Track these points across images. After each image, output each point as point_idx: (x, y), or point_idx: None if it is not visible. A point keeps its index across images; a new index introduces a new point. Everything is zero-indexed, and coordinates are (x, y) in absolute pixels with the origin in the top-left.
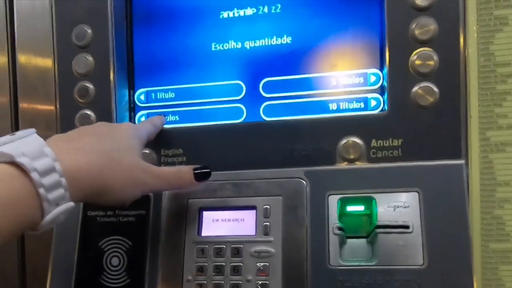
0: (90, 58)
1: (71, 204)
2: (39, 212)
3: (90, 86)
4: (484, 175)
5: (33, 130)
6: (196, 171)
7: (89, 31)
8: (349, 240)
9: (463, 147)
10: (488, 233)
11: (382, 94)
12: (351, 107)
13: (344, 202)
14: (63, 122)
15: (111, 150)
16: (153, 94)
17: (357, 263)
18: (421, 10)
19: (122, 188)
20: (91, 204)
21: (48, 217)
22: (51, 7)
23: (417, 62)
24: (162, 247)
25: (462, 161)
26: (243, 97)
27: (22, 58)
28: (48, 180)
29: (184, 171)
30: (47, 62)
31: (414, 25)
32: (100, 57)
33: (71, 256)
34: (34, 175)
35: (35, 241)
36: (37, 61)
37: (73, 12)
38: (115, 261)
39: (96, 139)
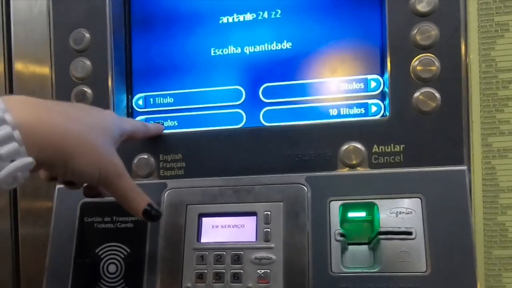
0: (88, 63)
1: (28, 159)
2: None
3: (87, 90)
4: (487, 181)
5: None
6: (147, 208)
7: (87, 35)
8: (350, 247)
9: (465, 153)
10: (491, 239)
11: (382, 100)
12: (351, 112)
13: (345, 208)
14: None
15: (82, 121)
16: (151, 99)
17: (360, 270)
18: (423, 16)
19: (82, 161)
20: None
21: (2, 173)
22: (49, 12)
23: (419, 67)
24: (161, 254)
25: (464, 167)
26: (242, 102)
27: (19, 63)
28: None
29: (139, 197)
30: (44, 66)
31: (415, 31)
32: (98, 61)
33: (67, 263)
34: None
35: (30, 247)
36: (35, 65)
37: (71, 16)
38: (112, 268)
39: (71, 107)
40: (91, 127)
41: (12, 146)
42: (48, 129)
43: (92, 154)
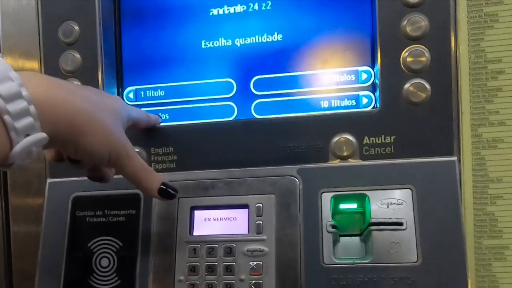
0: (78, 55)
1: (42, 135)
2: (7, 143)
3: (78, 83)
4: (477, 172)
5: None
6: (162, 187)
7: (76, 27)
8: (342, 238)
9: (455, 143)
10: (481, 229)
11: (373, 92)
12: (342, 104)
13: (337, 199)
14: None
15: (92, 100)
16: (142, 92)
17: (351, 261)
18: (412, 7)
19: (93, 139)
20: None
21: (18, 147)
22: (37, 4)
23: (409, 59)
24: (153, 247)
25: (454, 158)
26: (234, 94)
27: (8, 57)
28: (13, 106)
29: (151, 177)
30: (33, 60)
31: (405, 22)
32: (88, 54)
33: (60, 257)
34: None
35: (22, 241)
36: (23, 59)
37: (60, 8)
38: (104, 262)
39: (81, 88)
40: (101, 107)
41: (27, 120)
42: (62, 106)
43: (103, 133)
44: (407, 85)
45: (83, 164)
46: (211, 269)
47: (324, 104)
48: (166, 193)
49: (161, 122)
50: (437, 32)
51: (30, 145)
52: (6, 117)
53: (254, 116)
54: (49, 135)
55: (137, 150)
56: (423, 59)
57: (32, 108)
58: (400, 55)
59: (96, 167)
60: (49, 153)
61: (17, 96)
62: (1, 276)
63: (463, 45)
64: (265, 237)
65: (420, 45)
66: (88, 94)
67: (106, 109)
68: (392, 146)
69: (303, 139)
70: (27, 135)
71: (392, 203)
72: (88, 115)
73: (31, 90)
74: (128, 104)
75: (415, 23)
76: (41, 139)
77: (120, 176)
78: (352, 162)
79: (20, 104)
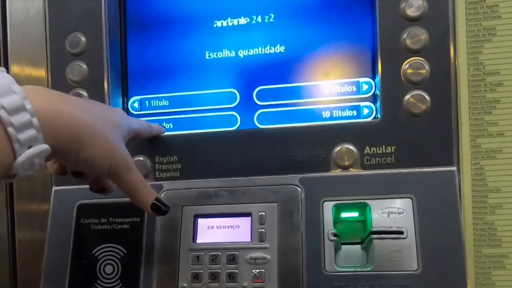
0: (84, 66)
1: (45, 146)
2: (10, 154)
3: (84, 93)
4: (476, 182)
5: (2, 68)
6: (156, 202)
7: (83, 39)
8: (344, 246)
9: (455, 154)
10: (481, 238)
11: (374, 102)
12: (344, 115)
13: (338, 208)
14: None
15: (94, 113)
16: (147, 102)
17: (353, 269)
18: (412, 21)
19: (94, 151)
20: (83, 214)
21: (21, 158)
22: (45, 16)
23: (409, 71)
24: (157, 254)
25: (454, 168)
26: (237, 105)
27: (16, 65)
28: (17, 119)
29: (146, 191)
30: (40, 71)
31: (405, 35)
32: (94, 65)
33: (64, 264)
34: (2, 113)
35: (27, 249)
36: (31, 69)
37: (67, 20)
38: (109, 269)
39: (84, 101)
40: (103, 119)
41: (30, 132)
42: (64, 118)
43: (104, 145)
44: (407, 97)
45: (85, 177)
46: (214, 277)
47: (326, 114)
48: (158, 208)
49: (164, 132)
50: (436, 45)
51: (32, 157)
52: (10, 129)
53: (257, 126)
54: (51, 147)
55: (141, 158)
56: (423, 71)
57: (35, 121)
58: (401, 67)
59: (98, 179)
60: (52, 167)
61: (20, 109)
62: (6, 282)
63: (462, 58)
64: (267, 245)
65: (420, 58)
66: (90, 107)
67: (108, 122)
68: (393, 156)
69: (305, 149)
70: (30, 146)
71: (392, 212)
72: (90, 128)
73: (34, 103)
74: (130, 116)
75: (415, 36)
76: (43, 151)
77: None
78: (353, 171)
79: (23, 117)
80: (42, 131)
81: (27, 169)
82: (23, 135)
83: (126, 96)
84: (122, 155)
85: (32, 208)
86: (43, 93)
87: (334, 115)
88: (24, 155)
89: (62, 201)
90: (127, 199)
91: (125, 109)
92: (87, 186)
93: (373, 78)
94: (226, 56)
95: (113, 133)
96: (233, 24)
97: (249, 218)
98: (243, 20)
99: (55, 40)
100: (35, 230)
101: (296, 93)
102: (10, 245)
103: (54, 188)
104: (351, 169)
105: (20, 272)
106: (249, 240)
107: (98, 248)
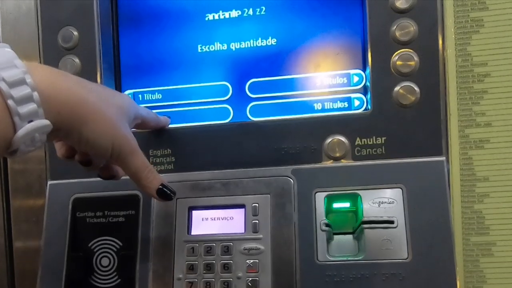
0: (77, 60)
1: (46, 122)
2: (11, 127)
3: None
4: (464, 171)
5: (6, 44)
6: (161, 187)
7: (75, 33)
8: (336, 236)
9: (444, 144)
10: (469, 226)
11: (365, 94)
12: (335, 106)
13: (330, 199)
14: None
15: (97, 93)
16: (140, 96)
17: (345, 258)
18: (401, 13)
19: (96, 130)
20: (79, 208)
21: (21, 132)
22: (37, 10)
23: (398, 62)
24: (152, 246)
25: (443, 158)
26: (229, 97)
27: None
28: (17, 91)
29: (151, 176)
30: None
31: (394, 27)
32: (87, 59)
33: (61, 257)
34: (2, 85)
35: (24, 242)
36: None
37: (59, 14)
38: (105, 261)
39: (91, 82)
40: (106, 100)
41: (31, 106)
42: (66, 95)
43: (106, 124)
44: (397, 88)
45: (94, 165)
46: (209, 267)
47: (317, 106)
48: (164, 193)
49: (169, 122)
50: (425, 37)
51: (33, 131)
52: (10, 102)
53: (249, 118)
54: (53, 123)
55: None
56: (412, 63)
57: (35, 95)
58: (390, 59)
59: (107, 166)
60: (60, 150)
61: (21, 82)
62: (3, 276)
63: (450, 49)
64: (261, 236)
65: (409, 49)
66: (95, 87)
67: (112, 103)
68: (383, 147)
69: (297, 141)
70: (31, 121)
71: (383, 202)
72: (92, 105)
73: (36, 78)
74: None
75: (404, 28)
76: (44, 126)
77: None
78: (345, 162)
79: (23, 90)
80: (43, 106)
81: (28, 145)
82: (23, 109)
83: (119, 90)
84: (125, 136)
85: (28, 203)
86: (46, 70)
87: (326, 107)
88: (24, 129)
89: (58, 195)
90: (122, 192)
91: None
92: (82, 180)
93: (364, 70)
94: (218, 49)
95: (118, 115)
96: (224, 17)
97: (242, 210)
98: (234, 13)
99: (48, 35)
100: (32, 224)
101: (288, 85)
102: (7, 240)
103: (49, 182)
104: (342, 160)
105: (17, 266)
106: (243, 231)
107: (94, 241)
